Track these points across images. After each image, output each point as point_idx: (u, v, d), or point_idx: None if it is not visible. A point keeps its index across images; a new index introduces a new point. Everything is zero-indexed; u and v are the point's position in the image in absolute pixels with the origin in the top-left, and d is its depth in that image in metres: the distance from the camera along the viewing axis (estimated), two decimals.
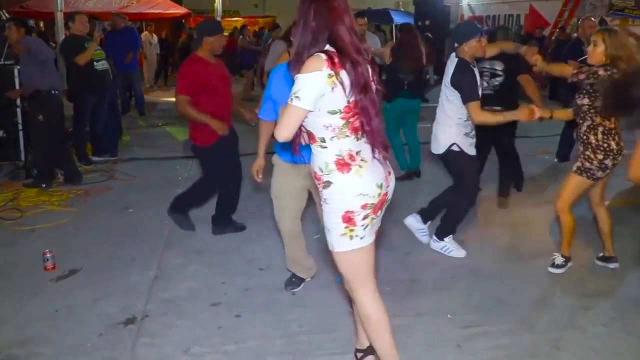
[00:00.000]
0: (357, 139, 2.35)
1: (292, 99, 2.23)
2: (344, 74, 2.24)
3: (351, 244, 2.41)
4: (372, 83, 2.37)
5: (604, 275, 4.05)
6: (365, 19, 6.88)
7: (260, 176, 3.68)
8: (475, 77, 4.04)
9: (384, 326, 2.57)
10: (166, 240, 4.68)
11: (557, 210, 3.96)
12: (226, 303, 3.66)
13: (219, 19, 16.90)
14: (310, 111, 2.26)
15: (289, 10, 7.37)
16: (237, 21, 21.15)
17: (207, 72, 4.37)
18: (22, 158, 6.70)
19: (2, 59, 6.59)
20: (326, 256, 4.27)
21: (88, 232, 4.88)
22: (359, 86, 2.27)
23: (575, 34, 12.09)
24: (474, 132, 4.21)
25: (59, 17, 9.55)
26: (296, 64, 2.29)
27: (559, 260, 4.06)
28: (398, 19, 21.65)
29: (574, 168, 3.84)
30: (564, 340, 3.22)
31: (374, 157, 2.39)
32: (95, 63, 6.80)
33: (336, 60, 2.24)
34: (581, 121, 3.79)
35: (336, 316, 3.47)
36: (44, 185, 5.99)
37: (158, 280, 3.99)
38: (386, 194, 2.46)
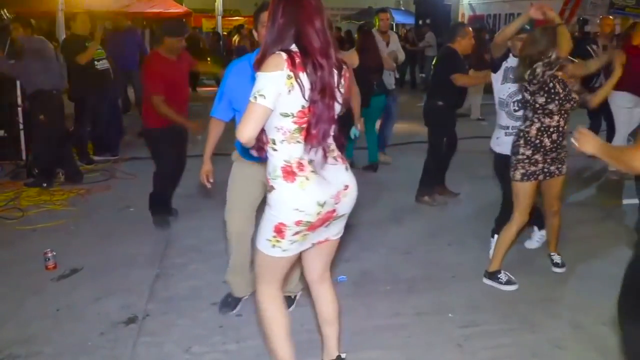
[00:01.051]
0: (310, 147, 2.24)
1: (255, 97, 2.14)
2: (303, 76, 2.16)
3: (272, 251, 2.37)
4: (337, 90, 2.28)
5: (604, 275, 4.05)
6: (388, 14, 6.84)
7: (211, 180, 3.45)
8: None
9: (278, 329, 2.52)
10: (167, 239, 4.69)
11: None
12: None
13: (219, 18, 16.95)
14: (272, 111, 2.19)
15: None
16: (238, 20, 21.15)
17: (167, 68, 4.55)
18: (24, 157, 6.70)
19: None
20: None
21: (89, 231, 4.88)
22: (317, 90, 2.18)
23: (577, 33, 12.10)
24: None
25: (60, 17, 9.56)
26: (261, 62, 2.21)
27: (558, 258, 4.09)
28: (399, 18, 21.65)
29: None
30: (564, 340, 3.23)
31: (323, 168, 2.28)
32: (96, 62, 6.80)
33: (297, 61, 2.16)
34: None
35: None
36: (45, 185, 6.00)
37: (159, 279, 3.99)
38: (333, 211, 2.34)
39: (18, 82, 6.57)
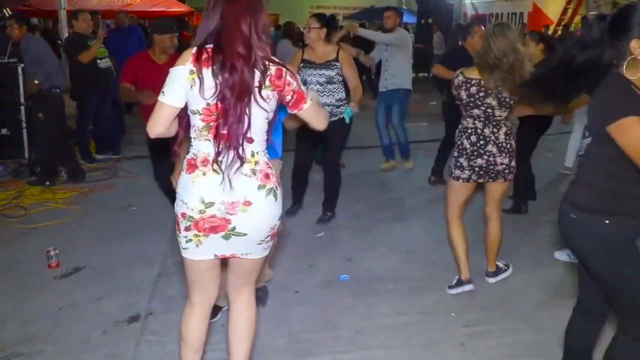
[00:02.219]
0: (219, 148, 2.16)
1: (160, 94, 2.16)
2: (207, 73, 2.10)
3: (180, 247, 2.32)
4: (256, 93, 2.15)
5: None
6: (392, 12, 6.68)
7: None
8: None
9: (192, 348, 2.46)
10: (169, 237, 4.67)
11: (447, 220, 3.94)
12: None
13: None
14: (180, 108, 2.16)
15: (291, 8, 7.37)
16: None
17: (150, 70, 4.22)
18: (26, 156, 6.71)
19: (5, 57, 6.59)
20: (330, 254, 4.29)
21: (91, 230, 4.89)
22: (224, 89, 2.10)
23: (579, 32, 12.08)
24: None
25: (62, 15, 9.58)
26: None
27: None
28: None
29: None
30: None
31: (231, 172, 2.16)
32: (98, 61, 6.81)
33: (205, 56, 2.11)
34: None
35: (338, 315, 3.48)
36: (47, 183, 6.00)
37: (161, 278, 3.99)
38: (226, 221, 2.19)
39: (21, 81, 6.59)
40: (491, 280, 3.93)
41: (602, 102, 2.09)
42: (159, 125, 2.17)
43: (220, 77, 2.10)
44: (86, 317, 3.47)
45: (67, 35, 8.74)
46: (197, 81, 2.11)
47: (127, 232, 4.79)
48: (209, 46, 2.14)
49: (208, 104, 2.13)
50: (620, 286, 2.21)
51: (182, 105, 2.16)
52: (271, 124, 2.30)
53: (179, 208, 2.24)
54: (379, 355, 3.07)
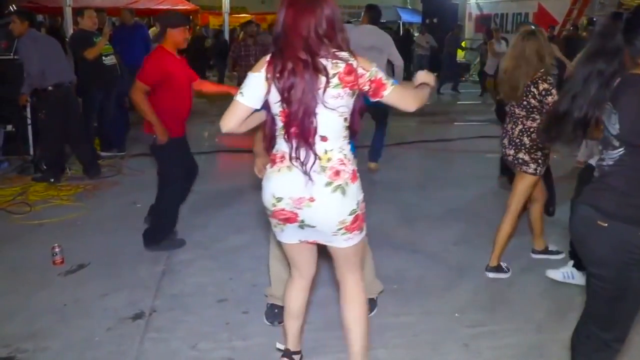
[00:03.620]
0: (295, 146, 2.27)
1: (238, 93, 2.32)
2: (278, 80, 2.22)
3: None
4: (317, 94, 2.20)
5: None
6: (365, 10, 6.37)
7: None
8: None
9: (291, 314, 2.73)
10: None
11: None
12: (233, 299, 3.67)
13: (226, 15, 16.94)
14: (254, 109, 2.33)
15: None
16: (245, 17, 21.14)
17: (174, 66, 4.19)
18: (31, 152, 6.73)
19: (11, 54, 6.61)
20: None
21: (96, 227, 4.90)
22: (288, 94, 2.21)
23: (584, 33, 12.04)
24: None
25: (68, 12, 9.58)
26: None
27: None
28: (406, 17, 21.64)
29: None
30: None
31: (304, 170, 2.26)
32: (103, 58, 6.82)
33: (276, 63, 2.23)
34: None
35: None
36: (52, 180, 6.02)
37: (166, 275, 4.00)
38: (295, 214, 2.33)
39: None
40: (489, 274, 4.00)
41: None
42: (232, 122, 2.34)
43: (282, 82, 2.21)
44: (90, 313, 3.48)
45: (72, 32, 8.74)
46: (272, 87, 2.25)
47: (132, 229, 4.79)
48: (277, 52, 2.26)
49: (283, 107, 2.25)
50: (621, 295, 2.20)
51: (257, 107, 2.32)
52: (353, 118, 2.34)
53: (263, 197, 2.43)
54: (383, 355, 3.07)
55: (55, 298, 3.65)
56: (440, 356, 3.08)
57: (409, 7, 24.00)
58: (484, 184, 6.02)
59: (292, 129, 2.25)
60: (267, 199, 2.39)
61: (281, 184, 2.33)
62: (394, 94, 2.33)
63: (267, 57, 2.28)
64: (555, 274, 3.93)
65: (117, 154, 7.26)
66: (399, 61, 6.18)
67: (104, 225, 4.94)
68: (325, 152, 2.28)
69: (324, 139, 2.27)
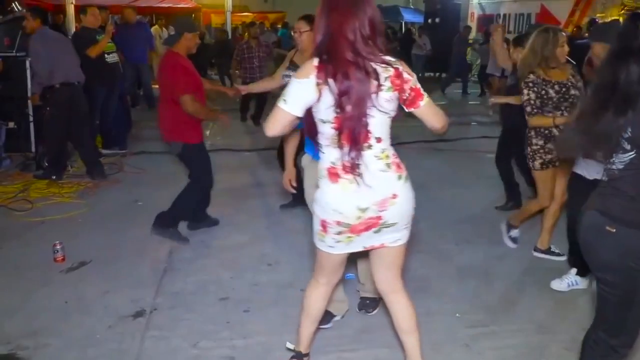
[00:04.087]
0: (353, 152, 2.26)
1: (280, 100, 2.25)
2: (331, 84, 2.17)
3: (319, 244, 2.46)
4: (371, 96, 2.20)
5: None
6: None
7: (295, 184, 3.43)
8: None
9: (305, 316, 2.70)
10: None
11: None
12: (234, 298, 3.67)
13: (228, 14, 16.97)
14: (298, 116, 2.26)
15: (299, 6, 7.33)
16: (247, 17, 21.14)
17: (193, 70, 4.26)
18: (33, 149, 6.73)
19: (14, 51, 6.61)
20: None
21: (97, 225, 4.90)
22: (343, 97, 2.18)
23: (587, 34, 12.01)
24: None
25: (70, 10, 9.60)
26: None
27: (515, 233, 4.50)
28: (408, 16, 21.61)
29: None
30: (573, 341, 3.19)
31: (381, 173, 2.30)
32: (106, 55, 6.82)
33: (327, 68, 2.18)
34: None
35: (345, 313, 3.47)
36: (54, 177, 6.02)
37: (167, 273, 4.00)
38: (379, 217, 2.33)
39: (28, 75, 6.60)
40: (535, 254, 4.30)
41: None
42: (277, 129, 2.29)
43: (338, 87, 2.17)
44: (91, 311, 3.47)
45: (74, 29, 8.76)
46: (325, 92, 2.19)
47: (133, 227, 4.80)
48: (325, 57, 2.21)
49: (337, 112, 2.20)
50: (629, 301, 2.19)
51: (300, 114, 2.26)
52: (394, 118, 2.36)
53: (331, 216, 2.33)
54: (385, 354, 3.07)
55: (56, 295, 3.64)
56: (441, 356, 3.08)
57: (412, 6, 23.98)
58: (486, 184, 6.00)
59: (346, 134, 2.23)
60: (350, 213, 2.30)
61: (363, 193, 2.28)
62: (428, 107, 2.34)
63: (314, 62, 2.21)
64: (560, 285, 3.82)
65: (119, 152, 7.25)
66: None
67: (106, 222, 4.94)
68: (382, 151, 2.31)
69: (379, 140, 2.30)
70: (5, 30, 6.71)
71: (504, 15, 17.37)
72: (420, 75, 15.00)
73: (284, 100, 2.24)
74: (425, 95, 2.32)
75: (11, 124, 6.76)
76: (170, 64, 4.19)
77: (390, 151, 2.36)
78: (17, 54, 6.63)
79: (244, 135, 8.45)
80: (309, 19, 4.52)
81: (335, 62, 2.18)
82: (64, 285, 3.80)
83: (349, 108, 2.18)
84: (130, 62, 9.05)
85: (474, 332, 3.30)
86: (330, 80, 2.17)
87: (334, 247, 2.43)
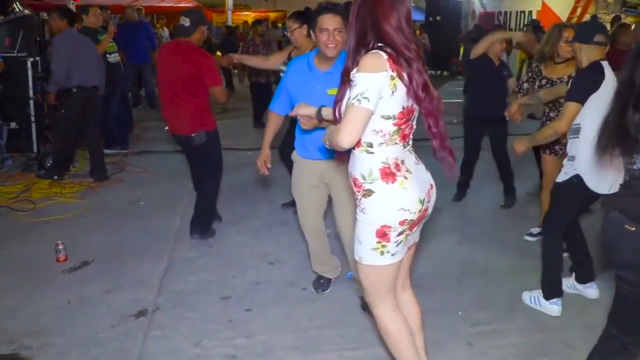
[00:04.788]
0: (404, 147, 2.24)
1: (359, 100, 2.02)
2: (404, 77, 2.11)
3: (381, 259, 2.28)
4: (429, 86, 2.19)
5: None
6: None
7: (269, 165, 3.53)
8: None
9: (404, 341, 2.46)
10: (177, 233, 4.70)
11: None
12: (236, 297, 3.67)
13: (229, 12, 16.96)
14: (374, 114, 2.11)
15: (300, 5, 7.32)
16: (248, 15, 21.14)
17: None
18: (35, 149, 6.74)
19: (15, 51, 6.61)
20: (338, 251, 4.28)
21: (99, 224, 4.90)
22: (419, 87, 2.12)
23: None
24: None
25: (71, 9, 9.59)
26: (351, 66, 2.16)
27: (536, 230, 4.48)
28: None
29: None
30: (575, 339, 3.21)
31: (416, 166, 2.30)
32: (107, 55, 6.83)
33: (399, 60, 2.10)
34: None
35: (346, 311, 3.48)
36: (56, 177, 6.02)
37: (169, 272, 4.00)
38: (426, 209, 2.32)
39: (30, 75, 6.61)
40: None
41: None
42: (358, 133, 2.08)
43: (411, 77, 2.12)
44: (94, 311, 3.48)
45: (75, 29, 8.75)
46: (400, 85, 2.11)
47: (135, 226, 4.80)
48: (389, 50, 2.11)
49: (404, 107, 2.15)
50: None
51: (375, 113, 2.12)
52: None
53: (395, 217, 2.22)
54: (386, 353, 3.06)
55: (59, 295, 3.65)
56: (444, 355, 3.07)
57: (413, 4, 23.95)
58: (487, 182, 5.99)
59: (407, 129, 2.21)
60: (414, 208, 2.23)
61: (418, 186, 2.27)
62: None
63: (383, 55, 2.09)
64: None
65: (121, 152, 7.26)
66: None
67: (108, 222, 4.95)
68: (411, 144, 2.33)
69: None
70: (7, 31, 6.70)
71: (505, 12, 17.35)
72: None
73: (366, 98, 2.02)
74: None
75: (13, 124, 6.77)
76: (207, 57, 4.24)
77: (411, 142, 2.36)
78: (19, 54, 6.63)
79: (245, 134, 8.45)
80: (296, 16, 4.60)
81: (400, 53, 2.11)
82: (66, 285, 3.80)
83: (423, 95, 2.14)
84: (132, 62, 9.06)
85: (476, 331, 3.30)
86: (403, 72, 2.10)
87: (396, 252, 2.30)
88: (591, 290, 3.70)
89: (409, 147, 2.29)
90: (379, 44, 2.13)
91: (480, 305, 3.59)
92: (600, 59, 3.33)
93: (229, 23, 16.97)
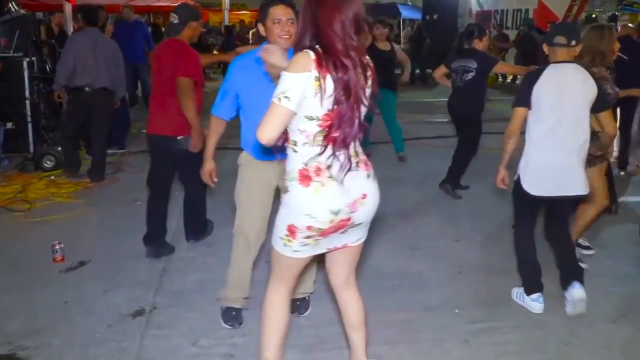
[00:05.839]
0: (334, 152, 2.17)
1: (279, 98, 2.05)
2: (329, 79, 2.08)
3: (284, 250, 2.33)
4: (362, 90, 2.17)
5: (612, 273, 4.05)
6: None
7: (215, 179, 3.34)
8: None
9: (273, 327, 2.51)
10: (174, 232, 4.69)
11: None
12: None
13: (226, 12, 16.94)
14: (295, 114, 2.12)
15: (298, 3, 7.34)
16: (244, 15, 21.14)
17: (200, 63, 4.07)
18: (31, 150, 6.73)
19: (11, 51, 6.60)
20: None
21: (96, 224, 4.90)
22: (341, 92, 2.10)
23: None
24: None
25: (68, 10, 9.58)
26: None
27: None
28: (406, 13, 21.58)
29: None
30: (572, 337, 3.22)
31: (344, 174, 2.21)
32: None
33: (322, 61, 2.08)
34: None
35: None
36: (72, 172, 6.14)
37: (166, 272, 4.00)
38: (348, 219, 2.25)
39: (26, 75, 6.60)
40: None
41: None
42: (276, 130, 2.09)
43: (337, 81, 2.10)
44: (92, 310, 3.48)
45: (72, 29, 8.75)
46: (323, 87, 2.08)
47: (133, 226, 4.79)
48: (319, 49, 2.11)
49: (329, 109, 2.12)
50: None
51: (298, 112, 2.11)
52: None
53: (302, 221, 2.22)
54: (384, 351, 3.07)
55: (56, 295, 3.65)
56: (441, 352, 3.08)
57: (410, 3, 23.94)
58: (485, 180, 6.00)
59: (338, 131, 2.14)
60: (323, 217, 2.20)
61: (335, 196, 2.20)
62: None
63: (311, 55, 2.08)
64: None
65: (118, 151, 7.25)
66: None
67: (105, 222, 4.95)
68: (355, 149, 2.26)
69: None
70: (3, 31, 6.69)
71: (502, 10, 17.38)
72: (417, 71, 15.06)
73: (287, 97, 2.05)
74: None
75: (9, 125, 6.76)
76: (175, 51, 3.96)
77: (359, 148, 2.29)
78: (15, 54, 6.62)
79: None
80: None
81: (331, 55, 2.09)
82: (63, 285, 3.80)
83: (344, 102, 2.11)
84: (129, 62, 9.03)
85: (473, 328, 3.31)
86: (332, 74, 2.09)
87: (299, 251, 2.32)
88: (535, 304, 3.48)
89: (344, 153, 2.19)
90: (316, 44, 2.12)
91: (477, 303, 3.60)
92: (564, 61, 3.34)
93: (226, 22, 16.94)
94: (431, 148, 7.81)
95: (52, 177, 6.07)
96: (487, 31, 5.86)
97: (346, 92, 2.11)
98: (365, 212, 2.32)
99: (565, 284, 3.48)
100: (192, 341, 3.16)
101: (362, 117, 2.23)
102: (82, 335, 3.20)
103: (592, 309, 3.50)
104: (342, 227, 2.28)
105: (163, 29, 14.07)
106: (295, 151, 2.21)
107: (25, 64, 6.55)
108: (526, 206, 3.54)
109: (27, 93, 6.63)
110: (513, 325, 3.34)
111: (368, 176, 2.31)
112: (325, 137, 2.15)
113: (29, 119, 6.71)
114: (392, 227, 4.87)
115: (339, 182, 2.20)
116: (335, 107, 2.12)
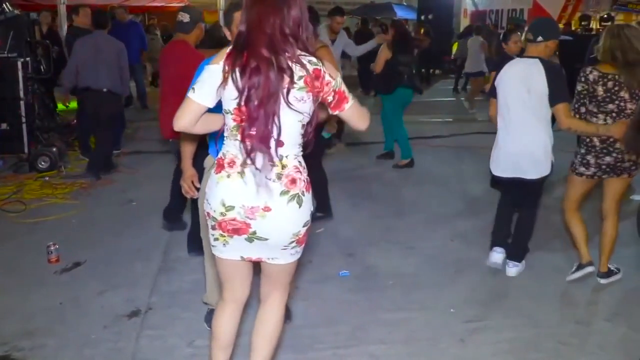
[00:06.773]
0: (249, 149, 2.11)
1: (192, 89, 2.14)
2: (237, 73, 2.07)
3: (210, 243, 2.33)
4: (281, 96, 2.07)
5: None
6: (344, 17, 6.72)
7: (198, 185, 3.10)
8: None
9: (217, 342, 2.46)
10: (170, 233, 4.68)
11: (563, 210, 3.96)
12: None
13: (221, 12, 16.86)
14: (209, 107, 2.13)
15: None
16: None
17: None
18: (26, 150, 6.70)
19: (5, 52, 6.57)
20: (331, 249, 4.30)
21: (92, 225, 4.89)
22: (249, 92, 2.06)
23: (579, 30, 12.04)
24: None
25: (62, 10, 9.56)
26: None
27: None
28: (401, 13, 21.58)
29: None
30: (567, 336, 3.23)
31: (257, 177, 2.13)
32: None
33: (237, 57, 2.08)
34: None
35: (339, 310, 3.48)
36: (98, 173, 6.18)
37: (162, 272, 4.00)
38: (247, 225, 2.16)
39: (20, 76, 6.57)
40: (603, 281, 3.80)
41: None
42: (184, 120, 2.15)
43: (244, 79, 2.07)
44: (87, 311, 3.47)
45: (66, 29, 8.74)
46: (229, 81, 2.09)
47: (128, 227, 4.79)
48: (239, 47, 2.11)
49: (238, 104, 2.10)
50: None
51: (211, 105, 2.14)
52: (310, 125, 2.21)
53: (205, 206, 2.26)
54: (380, 351, 3.08)
55: (52, 296, 3.64)
56: (437, 351, 3.09)
57: (405, 3, 23.96)
58: (480, 179, 6.02)
59: (250, 131, 2.09)
60: (215, 207, 2.18)
61: (233, 191, 2.15)
62: (353, 109, 2.24)
63: (227, 50, 2.13)
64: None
65: (114, 152, 7.22)
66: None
67: (100, 223, 4.93)
68: (281, 158, 2.15)
69: (280, 143, 2.12)
70: None
71: (496, 11, 17.41)
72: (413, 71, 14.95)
73: (193, 89, 2.13)
74: (351, 97, 2.22)
75: (4, 125, 6.73)
76: (182, 52, 3.99)
77: (293, 162, 2.18)
78: (9, 55, 6.59)
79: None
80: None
81: (248, 54, 2.07)
82: (58, 286, 3.79)
83: (254, 103, 2.07)
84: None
85: (469, 327, 3.31)
86: (237, 70, 2.07)
87: (215, 246, 2.30)
88: (493, 254, 4.04)
89: (264, 157, 2.11)
90: (242, 41, 2.11)
91: (473, 302, 3.61)
92: (529, 56, 3.67)
93: (221, 22, 16.90)
94: (426, 147, 7.82)
95: (47, 178, 6.05)
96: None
97: (255, 93, 2.07)
98: (269, 227, 2.17)
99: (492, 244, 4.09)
100: (188, 341, 3.16)
101: (306, 124, 2.17)
102: (78, 336, 3.19)
103: (587, 308, 3.51)
104: (242, 231, 2.19)
105: (158, 30, 14.07)
106: (223, 142, 2.25)
107: (19, 64, 6.52)
108: (498, 183, 4.33)
109: (21, 94, 6.59)
110: (508, 324, 3.35)
111: (283, 193, 2.15)
112: (242, 133, 2.12)
113: (24, 120, 6.68)
114: (387, 227, 4.88)
115: (245, 182, 2.15)
116: (244, 105, 2.09)
